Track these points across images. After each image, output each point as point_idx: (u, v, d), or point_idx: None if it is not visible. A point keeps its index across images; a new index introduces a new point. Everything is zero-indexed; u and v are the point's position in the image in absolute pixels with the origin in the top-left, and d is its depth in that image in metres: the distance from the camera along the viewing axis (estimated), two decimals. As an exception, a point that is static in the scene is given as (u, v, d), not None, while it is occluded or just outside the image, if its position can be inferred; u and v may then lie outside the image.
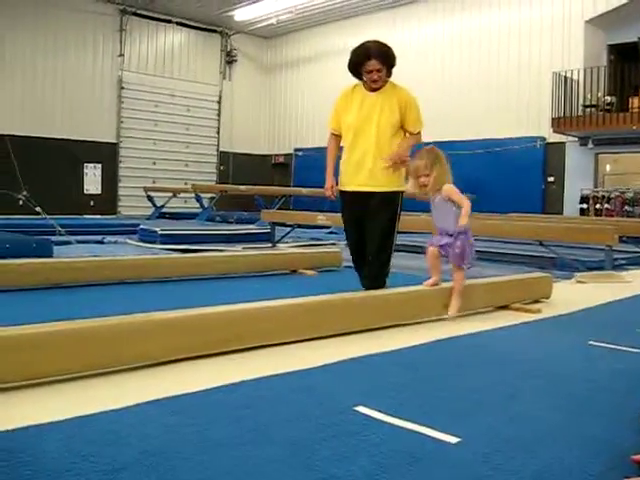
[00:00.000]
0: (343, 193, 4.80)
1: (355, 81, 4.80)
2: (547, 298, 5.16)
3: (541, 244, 7.76)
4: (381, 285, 4.66)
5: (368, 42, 4.67)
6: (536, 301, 5.06)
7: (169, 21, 19.26)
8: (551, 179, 15.31)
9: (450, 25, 16.83)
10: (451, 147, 15.48)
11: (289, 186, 19.34)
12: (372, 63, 4.54)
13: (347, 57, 4.68)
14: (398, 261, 8.05)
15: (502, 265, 7.91)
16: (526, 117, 15.39)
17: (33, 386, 2.62)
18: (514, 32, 15.71)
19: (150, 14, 18.70)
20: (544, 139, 15.21)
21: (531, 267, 7.49)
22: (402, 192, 4.74)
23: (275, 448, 2.05)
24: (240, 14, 18.73)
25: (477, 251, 8.73)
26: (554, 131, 14.74)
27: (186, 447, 2.04)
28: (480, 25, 16.29)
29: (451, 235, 4.34)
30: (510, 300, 4.85)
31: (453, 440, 2.15)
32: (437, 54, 17.02)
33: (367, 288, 4.62)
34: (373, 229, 4.70)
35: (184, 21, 19.54)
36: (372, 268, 4.75)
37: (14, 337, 2.66)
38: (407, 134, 4.78)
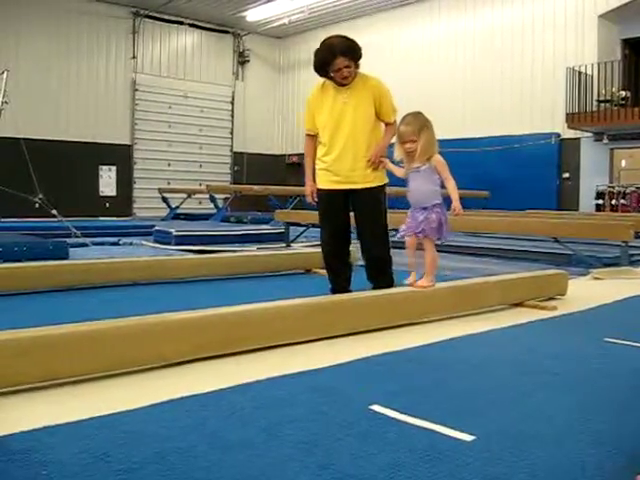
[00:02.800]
0: (320, 191, 4.69)
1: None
2: (562, 295, 5.13)
3: (556, 241, 7.72)
4: (391, 283, 4.59)
5: (330, 39, 4.50)
6: (551, 298, 5.04)
7: (181, 23, 19.31)
8: (566, 175, 15.23)
9: (463, 22, 16.78)
10: (466, 144, 15.48)
11: (303, 186, 19.34)
12: (339, 61, 4.37)
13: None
14: (402, 259, 8.04)
15: (517, 262, 7.88)
16: (540, 113, 15.31)
17: (50, 387, 2.64)
18: (527, 28, 15.64)
19: (162, 16, 18.76)
20: (559, 135, 15.13)
21: (546, 264, 7.45)
22: (385, 185, 4.65)
23: (289, 448, 2.06)
24: (252, 15, 18.76)
25: (492, 248, 8.75)
26: (569, 127, 14.66)
27: (200, 447, 2.05)
28: (493, 22, 16.24)
29: (425, 208, 4.16)
30: (525, 297, 4.82)
31: (468, 438, 2.15)
32: (450, 51, 16.97)
33: (378, 288, 4.51)
34: (370, 228, 4.62)
35: (196, 22, 19.59)
36: (380, 267, 4.67)
37: (31, 339, 2.69)
38: (384, 125, 4.65)
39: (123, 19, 18.23)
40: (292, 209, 13.21)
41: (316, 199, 4.72)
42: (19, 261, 6.32)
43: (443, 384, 2.82)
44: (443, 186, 4.22)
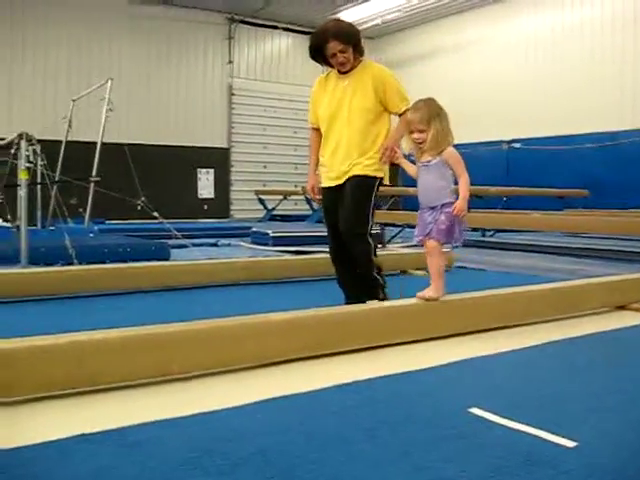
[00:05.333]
0: (322, 189, 4.31)
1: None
2: (669, 297, 4.93)
3: (663, 241, 7.42)
4: (375, 291, 4.05)
5: (327, 23, 4.17)
6: (658, 301, 4.85)
7: (275, 27, 19.58)
8: (676, 172, 14.54)
9: (560, 16, 16.30)
10: (564, 142, 15.05)
11: (398, 186, 19.26)
12: (332, 45, 4.01)
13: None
14: (508, 260, 7.91)
15: (618, 263, 7.61)
16: (644, 108, 14.70)
17: (158, 383, 2.75)
18: (629, 19, 15.05)
19: (257, 21, 19.08)
20: (665, 129, 14.49)
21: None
22: (378, 179, 4.15)
23: (387, 448, 2.07)
24: (345, 16, 18.78)
25: (592, 249, 8.49)
26: (677, 121, 14.01)
27: (300, 445, 2.09)
28: (592, 14, 15.69)
29: (433, 208, 3.70)
30: (629, 300, 4.66)
31: (570, 444, 2.11)
32: (547, 47, 16.52)
33: (352, 298, 4.06)
34: (346, 221, 4.09)
35: (290, 26, 19.81)
36: (357, 270, 4.15)
37: (140, 337, 2.82)
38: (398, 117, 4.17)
39: (219, 25, 18.64)
40: (387, 209, 13.17)
41: (318, 195, 4.37)
42: (124, 261, 6.59)
43: (544, 388, 2.77)
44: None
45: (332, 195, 4.22)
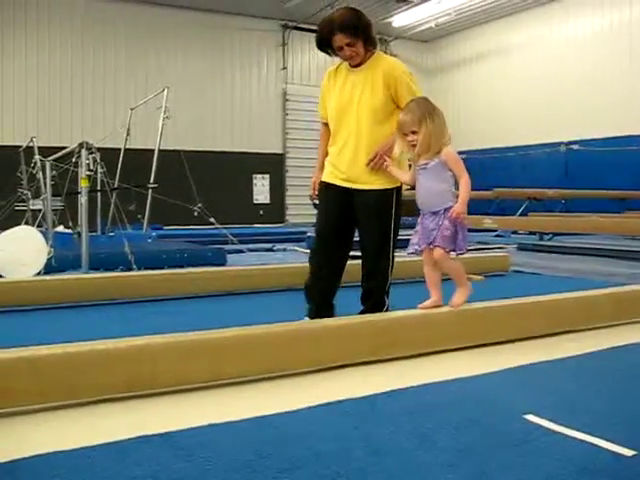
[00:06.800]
0: (321, 184, 4.06)
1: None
2: None
3: None
4: (380, 305, 3.88)
5: (333, 13, 3.88)
6: None
7: (329, 32, 19.69)
8: None
9: (618, 14, 15.95)
10: (624, 142, 14.71)
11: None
12: (338, 38, 3.76)
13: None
14: (566, 264, 7.78)
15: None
16: None
17: (213, 387, 2.80)
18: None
19: (310, 27, 19.20)
20: None
21: None
22: (397, 188, 3.90)
23: (442, 454, 2.07)
24: (399, 20, 18.79)
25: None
26: None
27: (355, 450, 2.11)
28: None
29: (435, 213, 3.56)
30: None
31: (628, 453, 2.07)
32: (605, 46, 16.17)
33: (365, 310, 3.87)
34: (368, 237, 3.97)
35: (344, 31, 19.88)
36: (370, 285, 3.97)
37: (198, 341, 2.87)
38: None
39: (273, 32, 18.83)
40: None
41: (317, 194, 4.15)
42: (181, 267, 6.70)
43: (601, 395, 2.73)
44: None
45: (333, 192, 3.98)
